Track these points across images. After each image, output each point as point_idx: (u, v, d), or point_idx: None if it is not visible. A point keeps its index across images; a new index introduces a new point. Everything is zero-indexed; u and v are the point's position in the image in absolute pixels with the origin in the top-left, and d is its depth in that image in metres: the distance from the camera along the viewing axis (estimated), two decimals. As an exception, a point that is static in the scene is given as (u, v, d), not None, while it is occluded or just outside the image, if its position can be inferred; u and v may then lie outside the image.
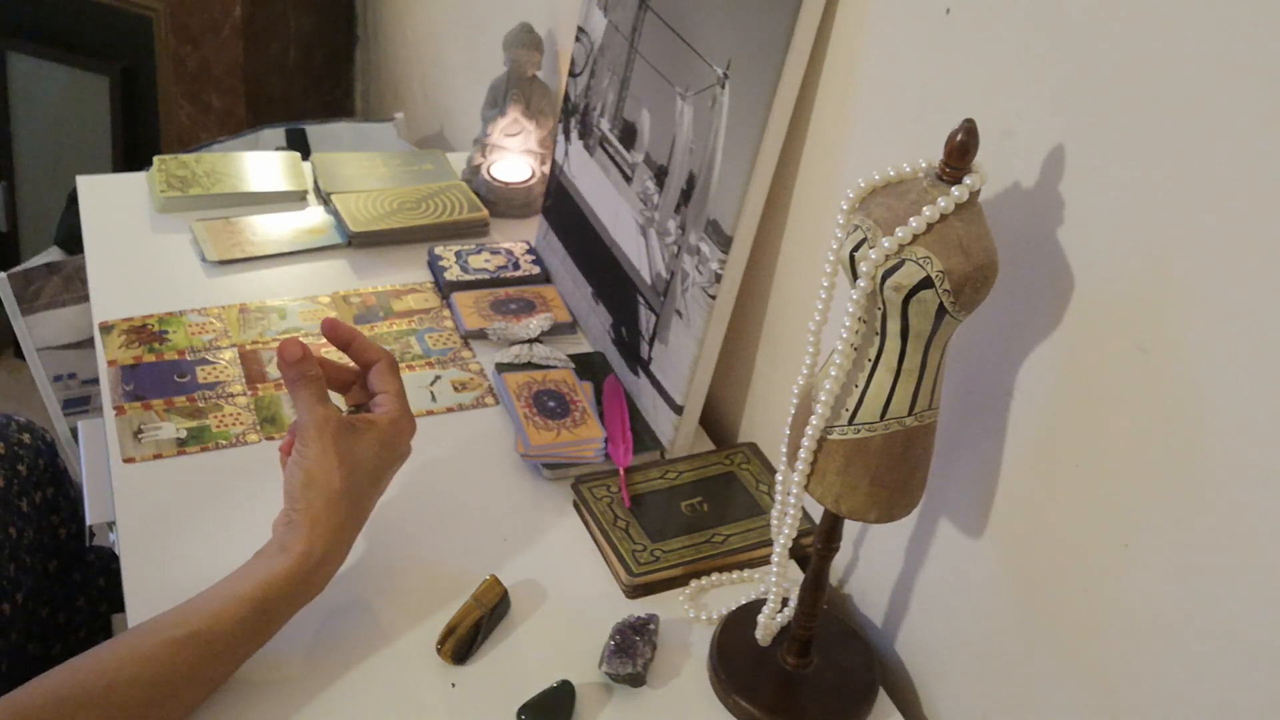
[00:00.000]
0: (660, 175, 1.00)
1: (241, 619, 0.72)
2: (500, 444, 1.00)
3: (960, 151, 0.61)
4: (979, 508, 0.77)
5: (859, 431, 0.67)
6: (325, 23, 2.19)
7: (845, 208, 0.65)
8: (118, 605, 1.18)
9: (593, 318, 1.12)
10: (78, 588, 1.17)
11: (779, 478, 0.75)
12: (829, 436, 0.68)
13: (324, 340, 0.84)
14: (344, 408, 0.84)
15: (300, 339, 0.79)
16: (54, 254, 1.83)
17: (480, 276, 1.19)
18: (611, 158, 1.08)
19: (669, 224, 0.98)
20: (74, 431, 1.49)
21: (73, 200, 1.79)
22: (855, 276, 0.64)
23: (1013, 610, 0.75)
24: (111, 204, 1.26)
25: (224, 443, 0.96)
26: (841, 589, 0.93)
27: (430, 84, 1.90)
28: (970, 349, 0.75)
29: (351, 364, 0.85)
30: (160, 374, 1.02)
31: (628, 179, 1.05)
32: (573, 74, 1.16)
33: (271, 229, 1.23)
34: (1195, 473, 0.61)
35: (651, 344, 1.01)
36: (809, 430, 0.68)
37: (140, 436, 0.95)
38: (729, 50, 0.90)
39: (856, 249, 0.63)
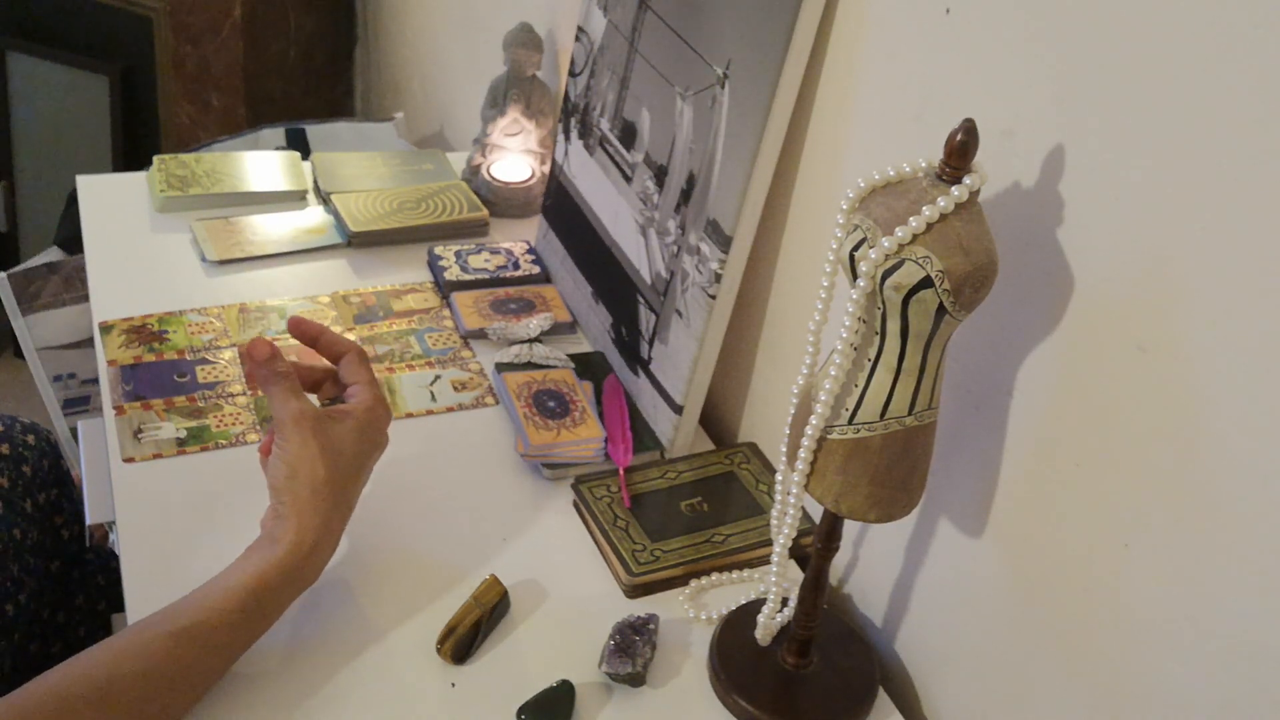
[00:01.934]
0: (660, 175, 1.00)
1: (236, 611, 0.72)
2: (500, 444, 1.00)
3: (960, 151, 0.61)
4: (979, 508, 0.77)
5: (859, 431, 0.67)
6: (325, 23, 2.19)
7: (845, 207, 0.65)
8: (117, 603, 1.18)
9: (593, 317, 1.12)
10: (77, 586, 1.17)
11: (779, 477, 0.75)
12: (829, 436, 0.68)
13: (295, 340, 0.84)
14: (318, 404, 0.84)
15: (267, 339, 0.80)
16: (54, 254, 1.83)
17: (480, 276, 1.19)
18: (611, 157, 1.08)
19: (669, 224, 0.98)
20: (74, 431, 1.49)
21: (73, 200, 1.79)
22: (855, 276, 0.64)
23: (1013, 610, 0.75)
24: (111, 204, 1.26)
25: (224, 442, 0.96)
26: (841, 589, 0.93)
27: (430, 84, 1.90)
28: (970, 349, 0.75)
29: (321, 362, 0.85)
30: (160, 374, 1.02)
31: (628, 179, 1.05)
32: (573, 74, 1.16)
33: (271, 229, 1.23)
34: (1195, 473, 0.61)
35: (651, 344, 1.01)
36: (809, 430, 0.68)
37: (140, 436, 0.95)
38: (729, 50, 0.90)
39: (856, 249, 0.63)
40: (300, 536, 0.75)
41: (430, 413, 1.03)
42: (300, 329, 0.83)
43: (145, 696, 0.69)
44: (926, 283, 0.61)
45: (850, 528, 0.90)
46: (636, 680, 0.80)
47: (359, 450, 0.80)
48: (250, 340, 0.81)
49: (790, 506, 0.73)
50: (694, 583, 0.89)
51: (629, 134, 1.05)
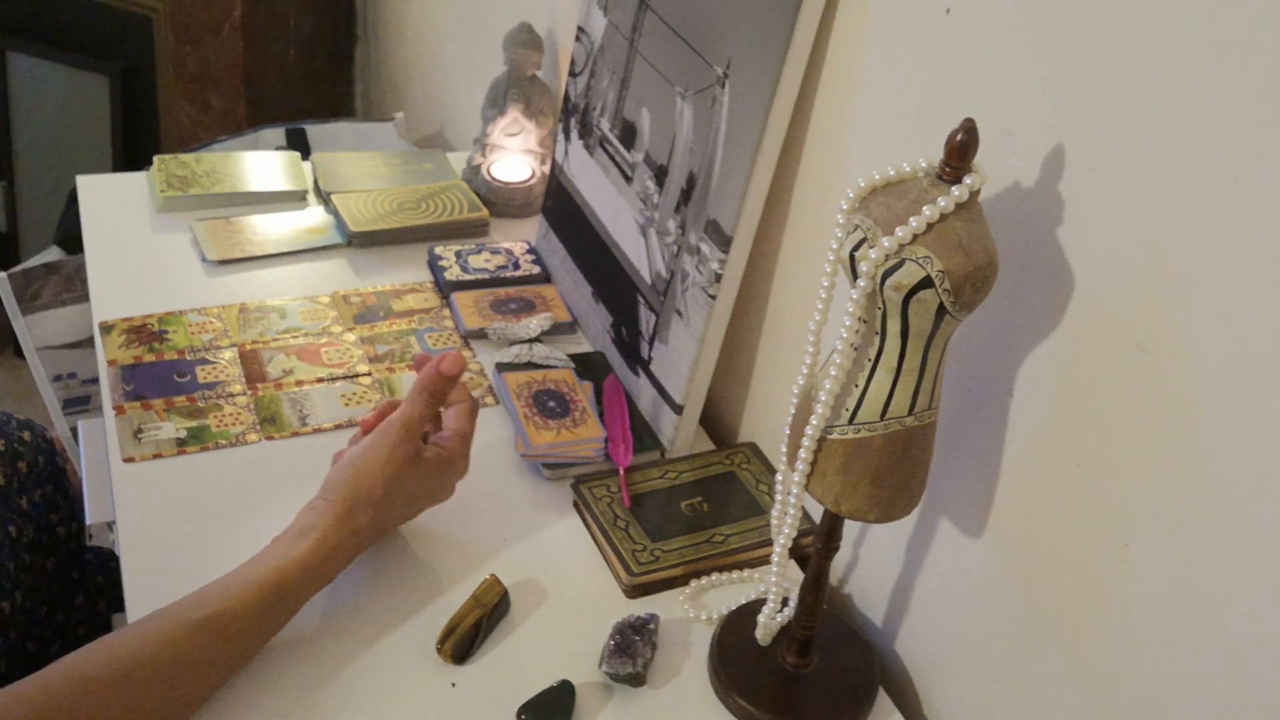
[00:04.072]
0: (660, 175, 1.00)
1: (258, 603, 0.74)
2: (500, 444, 1.00)
3: (960, 151, 0.61)
4: (979, 508, 0.77)
5: (859, 431, 0.67)
6: (325, 22, 2.18)
7: (845, 207, 0.65)
8: (117, 603, 1.18)
9: (593, 317, 1.12)
10: (76, 585, 1.17)
11: (779, 478, 0.75)
12: (829, 436, 0.68)
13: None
14: None
15: (464, 359, 0.84)
16: (54, 254, 1.83)
17: (480, 276, 1.19)
18: (611, 157, 1.08)
19: (669, 224, 0.98)
20: (74, 431, 1.49)
21: (73, 200, 1.79)
22: (855, 276, 0.64)
23: (1013, 610, 0.75)
24: (111, 204, 1.26)
25: (224, 442, 0.96)
26: (841, 589, 0.93)
27: (430, 83, 1.90)
28: (970, 349, 0.75)
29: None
30: (160, 374, 1.02)
31: (628, 179, 1.05)
32: (573, 73, 1.16)
33: (271, 229, 1.23)
34: (1195, 473, 0.61)
35: (651, 344, 1.01)
36: (809, 430, 0.68)
37: (140, 436, 0.95)
38: (729, 50, 0.90)
39: (856, 249, 0.63)
40: (326, 537, 0.77)
41: (430, 413, 1.03)
42: (453, 373, 0.84)
43: (166, 681, 0.70)
44: (927, 283, 0.61)
45: (850, 528, 0.90)
46: (636, 680, 0.80)
47: (419, 490, 0.84)
48: (451, 354, 0.83)
49: (790, 506, 0.73)
50: (694, 583, 0.89)
51: (629, 134, 1.05)
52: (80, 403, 1.58)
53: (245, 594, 0.74)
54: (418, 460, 0.82)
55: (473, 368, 1.09)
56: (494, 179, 1.32)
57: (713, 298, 0.93)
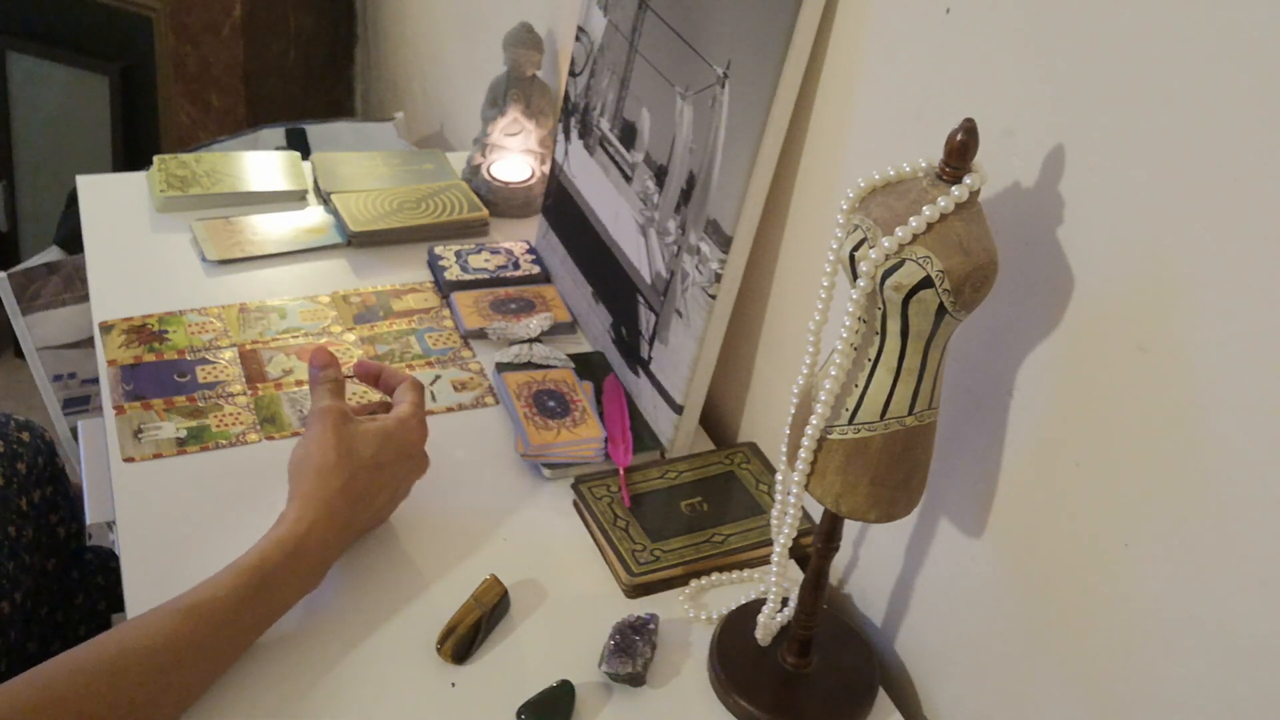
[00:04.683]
0: (660, 175, 1.00)
1: (244, 585, 0.75)
2: (500, 444, 1.00)
3: (960, 151, 0.61)
4: (979, 508, 0.77)
5: (859, 431, 0.67)
6: (325, 22, 2.19)
7: (845, 207, 0.65)
8: (117, 603, 1.18)
9: (592, 317, 1.12)
10: (76, 585, 1.17)
11: (779, 477, 0.75)
12: (829, 436, 0.68)
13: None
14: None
15: (328, 349, 0.88)
16: (54, 254, 1.83)
17: (480, 276, 1.19)
18: (611, 157, 1.08)
19: (669, 224, 0.98)
20: (74, 431, 1.49)
21: (73, 200, 1.79)
22: (855, 276, 0.64)
23: (1013, 610, 0.75)
24: (111, 204, 1.26)
25: (224, 442, 0.96)
26: (841, 589, 0.93)
27: (430, 83, 1.90)
28: (970, 349, 0.75)
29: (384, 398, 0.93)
30: (160, 373, 1.02)
31: (628, 178, 1.05)
32: (573, 73, 1.16)
33: (271, 228, 1.23)
34: (1195, 472, 0.61)
35: (651, 344, 1.01)
36: (809, 430, 0.68)
37: (140, 436, 0.95)
38: (729, 50, 0.90)
39: (856, 249, 0.63)
40: (300, 514, 0.78)
41: (430, 413, 1.03)
42: (362, 370, 0.92)
43: (155, 669, 0.70)
44: (927, 283, 0.61)
45: (850, 528, 0.90)
46: (636, 680, 0.80)
47: (378, 453, 0.84)
48: (314, 347, 0.89)
49: (790, 506, 0.73)
50: (694, 583, 0.89)
51: (629, 134, 1.05)
52: (80, 403, 1.58)
53: (228, 579, 0.75)
54: (356, 424, 0.84)
55: (472, 368, 1.09)
56: (494, 179, 1.32)
57: (713, 298, 0.93)
